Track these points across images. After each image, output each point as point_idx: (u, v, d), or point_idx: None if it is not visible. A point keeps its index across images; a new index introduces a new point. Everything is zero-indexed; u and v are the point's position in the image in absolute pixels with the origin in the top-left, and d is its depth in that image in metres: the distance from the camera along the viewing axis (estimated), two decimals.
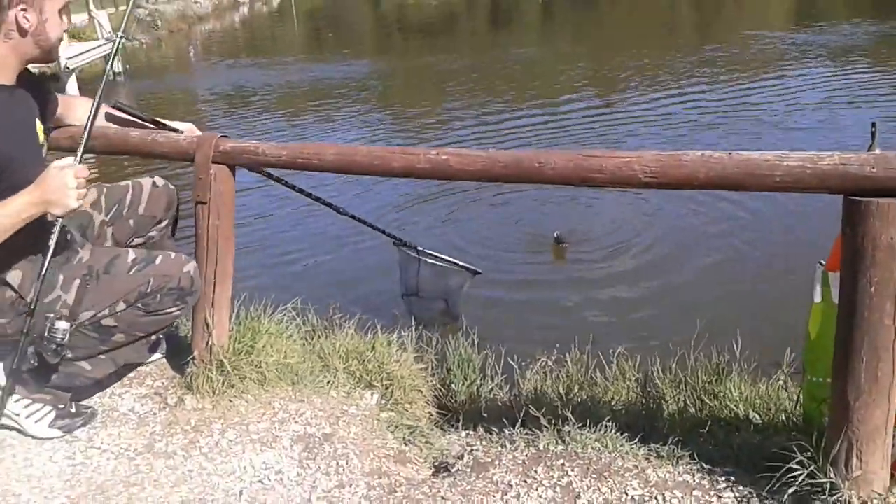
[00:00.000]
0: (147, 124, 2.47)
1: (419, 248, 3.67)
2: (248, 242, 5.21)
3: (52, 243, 1.96)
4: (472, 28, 26.42)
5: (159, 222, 2.47)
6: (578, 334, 3.48)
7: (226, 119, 11.49)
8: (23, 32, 1.97)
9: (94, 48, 15.03)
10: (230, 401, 2.25)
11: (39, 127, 2.11)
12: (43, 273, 1.95)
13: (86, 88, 13.48)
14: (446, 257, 3.77)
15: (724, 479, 1.89)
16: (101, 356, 2.13)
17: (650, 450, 2.04)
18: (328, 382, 2.40)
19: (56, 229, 1.97)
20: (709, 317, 3.01)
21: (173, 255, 2.21)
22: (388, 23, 31.72)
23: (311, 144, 2.42)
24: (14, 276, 2.01)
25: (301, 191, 2.88)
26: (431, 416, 2.56)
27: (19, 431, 2.12)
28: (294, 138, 9.51)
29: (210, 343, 2.31)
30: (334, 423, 2.22)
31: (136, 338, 2.13)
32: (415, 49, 19.15)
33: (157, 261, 2.12)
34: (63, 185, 1.85)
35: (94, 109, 2.13)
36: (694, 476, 1.92)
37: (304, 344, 2.56)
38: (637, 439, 2.09)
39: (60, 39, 2.12)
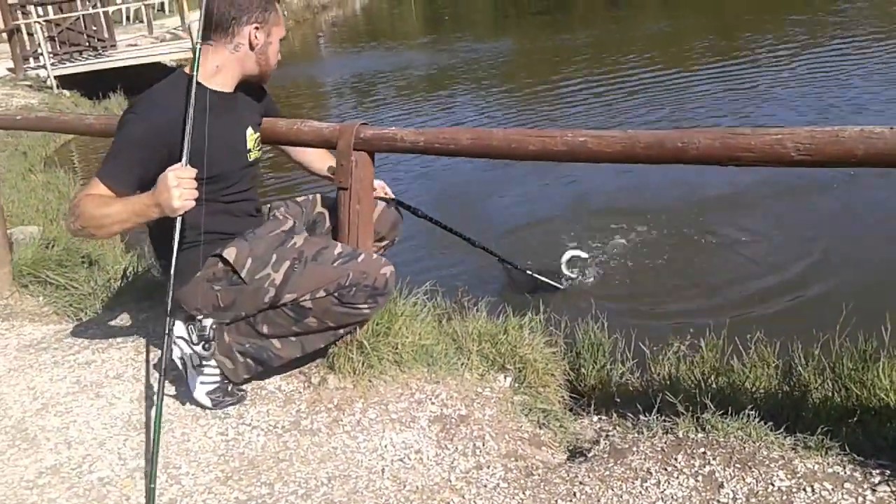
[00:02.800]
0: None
1: (517, 266, 3.81)
2: None
3: (269, 228, 2.27)
4: (589, 3, 25.87)
5: (381, 239, 2.63)
6: (712, 318, 3.38)
7: (352, 105, 11.79)
8: (251, 48, 2.21)
9: None
10: (370, 381, 2.32)
11: (252, 135, 2.33)
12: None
13: None
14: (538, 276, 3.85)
15: (878, 471, 1.79)
16: (292, 338, 2.24)
17: (796, 440, 1.96)
18: (462, 364, 2.44)
19: (280, 216, 2.37)
20: (854, 301, 2.83)
21: (375, 255, 2.32)
22: (505, 2, 31.53)
23: (447, 129, 2.45)
24: (229, 252, 2.19)
25: (430, 219, 3.01)
26: (563, 399, 2.56)
27: (188, 385, 2.26)
28: (418, 121, 9.66)
29: None
30: (469, 405, 2.26)
31: (327, 327, 2.23)
32: (532, 28, 18.92)
33: (360, 258, 2.22)
34: (167, 187, 1.93)
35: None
36: (845, 468, 1.83)
37: (437, 326, 2.60)
38: (782, 429, 2.01)
39: (276, 65, 2.35)
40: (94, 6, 15.17)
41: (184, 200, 1.95)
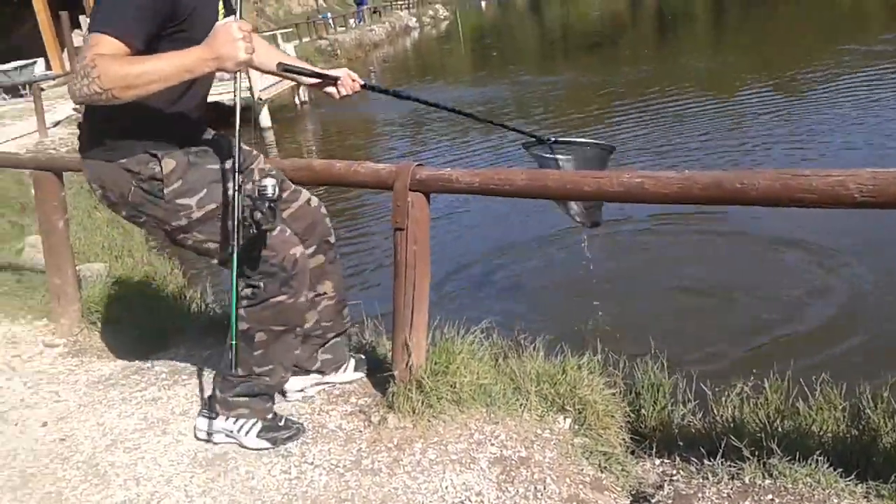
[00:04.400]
0: (308, 78, 2.42)
1: (550, 140, 3.17)
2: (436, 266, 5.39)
3: (214, 158, 2.14)
4: (637, 37, 25.87)
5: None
6: (775, 359, 3.31)
7: (405, 141, 11.96)
8: None
9: (280, 80, 16.11)
10: (429, 420, 2.33)
11: (221, 7, 2.10)
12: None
13: (276, 117, 14.51)
14: (578, 139, 3.37)
15: None
16: (268, 365, 2.24)
17: (868, 487, 1.90)
18: (521, 405, 2.43)
19: (225, 146, 2.19)
20: None
21: (288, 234, 2.20)
22: (552, 36, 31.73)
23: (502, 170, 2.47)
24: (167, 163, 2.05)
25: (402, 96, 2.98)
26: (624, 441, 2.52)
27: (239, 445, 2.31)
28: (467, 157, 9.74)
29: (409, 363, 2.41)
30: (529, 447, 2.24)
31: (278, 333, 2.20)
32: (581, 64, 19.01)
33: (273, 233, 2.12)
34: (232, 37, 1.81)
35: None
36: None
37: (495, 365, 2.60)
38: (852, 475, 1.95)
39: None
40: None
41: (249, 53, 1.84)
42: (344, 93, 2.40)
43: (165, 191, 2.06)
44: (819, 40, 16.48)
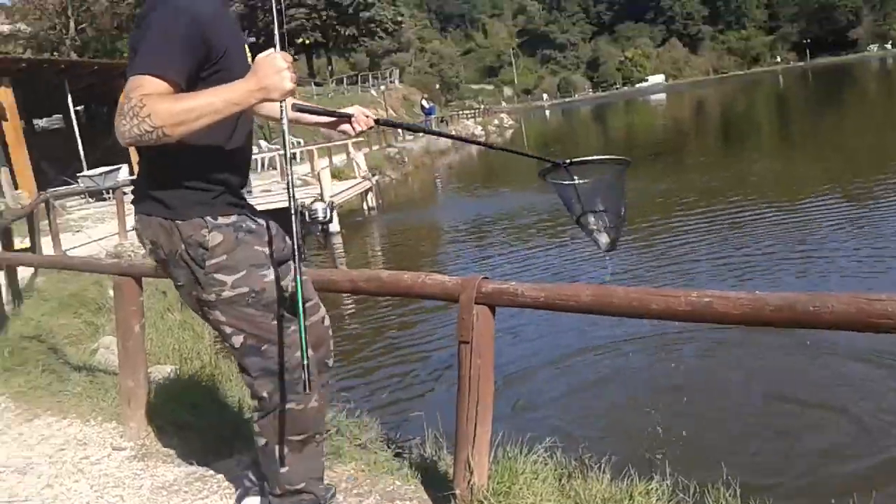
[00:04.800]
0: (323, 117, 2.44)
1: (566, 163, 2.98)
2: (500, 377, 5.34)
3: (259, 239, 2.14)
4: (701, 144, 25.98)
5: None
6: (856, 490, 3.13)
7: (469, 249, 12.04)
8: None
9: (353, 186, 16.67)
10: None
11: (247, 49, 2.16)
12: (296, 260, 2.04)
13: (345, 222, 14.89)
14: (591, 158, 3.07)
15: None
16: (300, 482, 2.23)
17: None
18: None
19: (273, 228, 2.19)
20: None
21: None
22: (616, 144, 32.14)
23: (567, 285, 2.48)
24: (215, 236, 2.07)
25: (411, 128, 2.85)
26: None
27: None
28: (531, 266, 9.76)
29: (471, 482, 2.37)
30: None
31: (299, 444, 2.20)
32: (646, 171, 19.04)
33: (290, 330, 2.16)
34: (277, 68, 1.85)
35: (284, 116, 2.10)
36: None
37: (558, 486, 2.53)
38: None
39: None
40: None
41: (294, 83, 1.89)
42: (359, 129, 2.39)
43: (207, 262, 2.08)
44: (893, 148, 16.25)
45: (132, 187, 2.18)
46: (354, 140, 23.13)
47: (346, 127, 2.41)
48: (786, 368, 5.02)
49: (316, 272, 2.94)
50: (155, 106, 1.79)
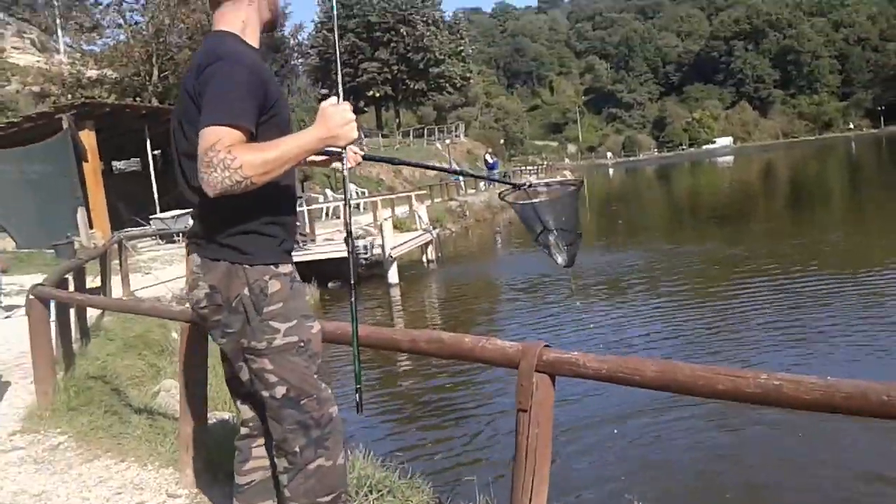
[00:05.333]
0: (318, 156, 2.46)
1: (526, 186, 3.21)
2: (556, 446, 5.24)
3: (304, 293, 2.22)
4: (769, 209, 25.47)
5: None
6: None
7: (526, 307, 11.96)
8: None
9: (413, 238, 16.83)
10: None
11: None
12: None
13: (404, 274, 15.00)
14: (548, 180, 3.36)
15: None
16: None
17: None
18: None
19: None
20: None
21: (329, 390, 2.26)
22: (680, 205, 31.78)
23: (631, 359, 2.43)
24: (274, 283, 2.13)
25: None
26: None
27: None
28: (587, 328, 9.62)
29: None
30: None
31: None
32: (710, 235, 18.78)
33: (324, 387, 2.21)
34: (345, 118, 2.01)
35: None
36: None
37: None
38: None
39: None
40: (300, 205, 16.93)
41: (356, 133, 2.04)
42: (349, 165, 2.41)
43: (265, 309, 2.11)
44: None
45: (192, 233, 2.20)
46: (417, 193, 23.51)
47: (336, 164, 2.48)
48: (851, 445, 4.79)
49: (377, 330, 2.95)
50: (245, 157, 1.88)
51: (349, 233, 2.29)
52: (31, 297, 5.01)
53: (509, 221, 30.08)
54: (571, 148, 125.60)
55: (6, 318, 9.01)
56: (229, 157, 1.87)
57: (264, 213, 2.14)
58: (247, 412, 2.40)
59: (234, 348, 2.19)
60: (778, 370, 2.21)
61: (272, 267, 2.14)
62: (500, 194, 3.36)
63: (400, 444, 5.55)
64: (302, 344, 2.17)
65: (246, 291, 2.10)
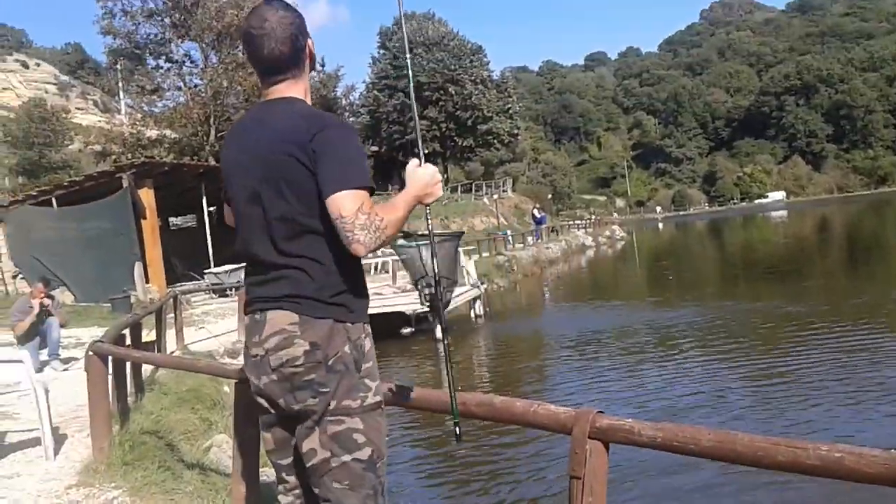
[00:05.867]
0: None
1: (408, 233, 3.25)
2: None
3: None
4: (826, 265, 24.87)
5: None
6: None
7: (575, 366, 11.79)
8: (311, 59, 2.29)
9: (461, 293, 16.82)
10: None
11: None
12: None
13: (452, 331, 14.96)
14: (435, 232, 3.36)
15: None
16: None
17: None
18: None
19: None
20: None
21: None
22: (733, 261, 31.18)
23: (688, 428, 2.38)
24: (369, 340, 2.21)
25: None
26: None
27: None
28: (638, 389, 9.45)
29: None
30: None
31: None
32: (764, 290, 18.39)
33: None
34: (435, 178, 2.19)
35: None
36: None
37: None
38: None
39: None
40: None
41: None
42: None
43: (363, 366, 2.15)
44: None
45: (278, 294, 2.13)
46: (465, 248, 23.60)
47: None
48: None
49: (427, 392, 2.96)
50: (388, 218, 2.05)
51: (436, 282, 2.45)
52: (90, 353, 5.15)
53: (558, 276, 29.96)
54: (620, 202, 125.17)
55: (64, 370, 9.23)
56: (378, 219, 2.02)
57: (359, 272, 2.22)
58: (293, 481, 2.28)
59: (318, 410, 2.10)
60: (840, 435, 2.16)
61: (366, 325, 2.20)
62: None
63: None
64: (383, 404, 2.21)
65: (348, 349, 2.12)
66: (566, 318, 17.51)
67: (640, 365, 10.94)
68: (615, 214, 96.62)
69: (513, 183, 61.11)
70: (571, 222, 53.76)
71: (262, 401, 2.20)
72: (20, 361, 5.86)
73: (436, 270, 2.46)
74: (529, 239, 37.39)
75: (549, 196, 61.87)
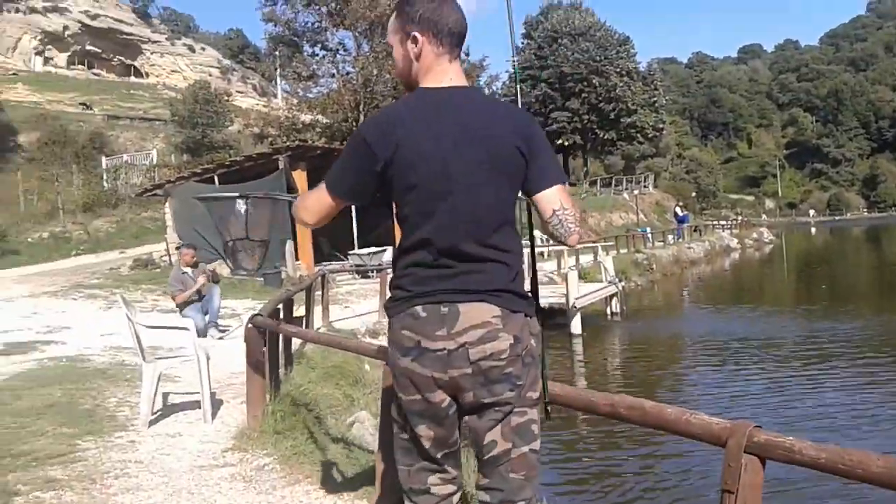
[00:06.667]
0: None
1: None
2: None
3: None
4: None
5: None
6: None
7: (714, 373, 11.38)
8: None
9: (598, 289, 16.62)
10: None
11: None
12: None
13: (587, 325, 14.80)
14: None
15: None
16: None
17: None
18: None
19: None
20: None
21: None
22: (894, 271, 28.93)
23: (855, 451, 2.26)
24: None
25: None
26: None
27: None
28: (784, 401, 9.01)
29: None
30: None
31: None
32: None
33: None
34: None
35: None
36: None
37: None
38: None
39: None
40: None
41: None
42: None
43: (536, 356, 2.22)
44: None
45: (478, 286, 2.10)
46: (603, 243, 23.24)
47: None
48: None
49: (575, 391, 2.96)
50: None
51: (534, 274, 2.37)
52: (249, 325, 5.48)
53: (699, 277, 28.91)
54: (769, 203, 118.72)
55: (219, 338, 9.88)
56: (578, 214, 2.21)
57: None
58: (453, 472, 2.27)
59: (513, 402, 2.12)
60: None
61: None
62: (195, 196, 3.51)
63: None
64: None
65: (534, 342, 2.18)
66: (707, 322, 16.87)
67: (786, 378, 10.40)
68: (764, 216, 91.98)
69: (654, 179, 59.32)
70: (716, 222, 51.53)
71: (437, 394, 2.11)
72: (186, 329, 6.33)
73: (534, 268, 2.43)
74: (670, 237, 36.26)
75: (693, 194, 59.56)
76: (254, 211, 17.12)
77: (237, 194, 17.25)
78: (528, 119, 2.22)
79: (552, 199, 2.14)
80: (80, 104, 45.22)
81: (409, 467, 2.25)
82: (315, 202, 2.37)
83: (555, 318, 15.23)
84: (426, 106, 2.16)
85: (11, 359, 8.49)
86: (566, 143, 57.82)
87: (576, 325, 14.33)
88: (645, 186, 54.84)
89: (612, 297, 17.28)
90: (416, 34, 2.19)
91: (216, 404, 6.13)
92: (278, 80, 39.60)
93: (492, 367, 2.07)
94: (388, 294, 2.22)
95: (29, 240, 25.46)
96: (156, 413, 5.87)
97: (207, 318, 10.03)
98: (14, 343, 9.28)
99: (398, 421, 2.26)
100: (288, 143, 21.21)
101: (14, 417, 5.73)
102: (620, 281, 18.19)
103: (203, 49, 72.79)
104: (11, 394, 6.58)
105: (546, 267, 20.89)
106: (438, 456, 2.20)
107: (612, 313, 17.25)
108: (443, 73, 2.20)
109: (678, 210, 41.93)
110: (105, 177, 32.07)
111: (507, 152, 2.11)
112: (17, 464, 4.63)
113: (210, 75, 59.81)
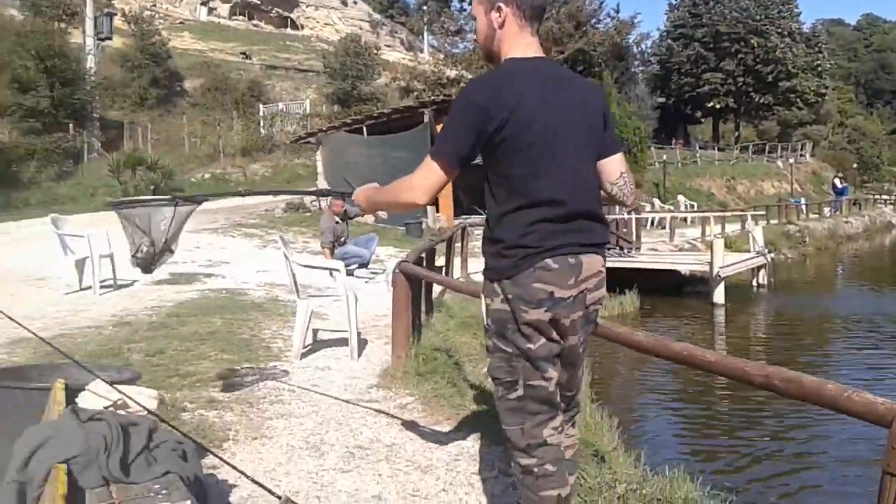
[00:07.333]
0: None
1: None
2: None
3: None
4: None
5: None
6: None
7: (865, 354, 10.72)
8: None
9: (745, 259, 15.95)
10: None
11: None
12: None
13: (731, 295, 14.24)
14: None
15: None
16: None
17: None
18: None
19: None
20: None
21: None
22: None
23: None
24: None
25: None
26: None
27: None
28: None
29: None
30: None
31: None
32: None
33: None
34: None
35: None
36: None
37: None
38: None
39: None
40: (629, 212, 16.81)
41: None
42: None
43: None
44: None
45: (598, 240, 2.37)
46: (753, 213, 22.19)
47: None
48: None
49: (729, 360, 2.90)
50: None
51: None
52: (397, 271, 5.69)
53: (855, 254, 27.13)
54: None
55: (366, 282, 10.29)
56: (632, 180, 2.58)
57: None
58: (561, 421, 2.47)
59: (586, 336, 2.48)
60: None
61: None
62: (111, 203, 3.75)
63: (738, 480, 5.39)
64: None
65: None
66: (861, 302, 15.84)
67: None
68: None
69: (812, 147, 55.51)
70: (877, 196, 47.79)
71: (554, 336, 2.31)
72: (337, 270, 6.64)
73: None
74: (826, 210, 34.09)
75: (854, 165, 55.16)
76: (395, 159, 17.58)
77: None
78: (604, 92, 2.59)
79: (620, 163, 2.47)
80: (241, 53, 47.32)
81: (520, 426, 2.37)
82: (423, 179, 2.38)
83: (695, 286, 14.78)
84: (529, 73, 2.30)
85: (177, 288, 9.24)
86: (718, 106, 55.12)
87: (719, 295, 13.82)
88: (801, 155, 51.53)
89: (759, 268, 16.52)
90: (501, 4, 2.33)
91: (362, 343, 6.43)
92: (425, 34, 39.86)
93: (595, 311, 2.43)
94: (499, 254, 2.32)
95: (192, 179, 27.30)
96: (306, 347, 6.24)
97: (360, 259, 10.72)
98: (179, 273, 10.06)
99: (506, 381, 2.36)
100: (433, 98, 21.47)
101: (181, 341, 6.27)
102: (770, 252, 17.33)
103: (355, 3, 74.23)
104: (177, 320, 7.18)
105: (688, 233, 20.22)
106: (559, 400, 2.43)
107: (758, 285, 16.50)
108: (528, 46, 2.35)
109: (837, 182, 39.31)
110: (262, 123, 33.73)
111: (597, 122, 2.37)
112: (184, 383, 5.07)
113: (361, 29, 60.95)
